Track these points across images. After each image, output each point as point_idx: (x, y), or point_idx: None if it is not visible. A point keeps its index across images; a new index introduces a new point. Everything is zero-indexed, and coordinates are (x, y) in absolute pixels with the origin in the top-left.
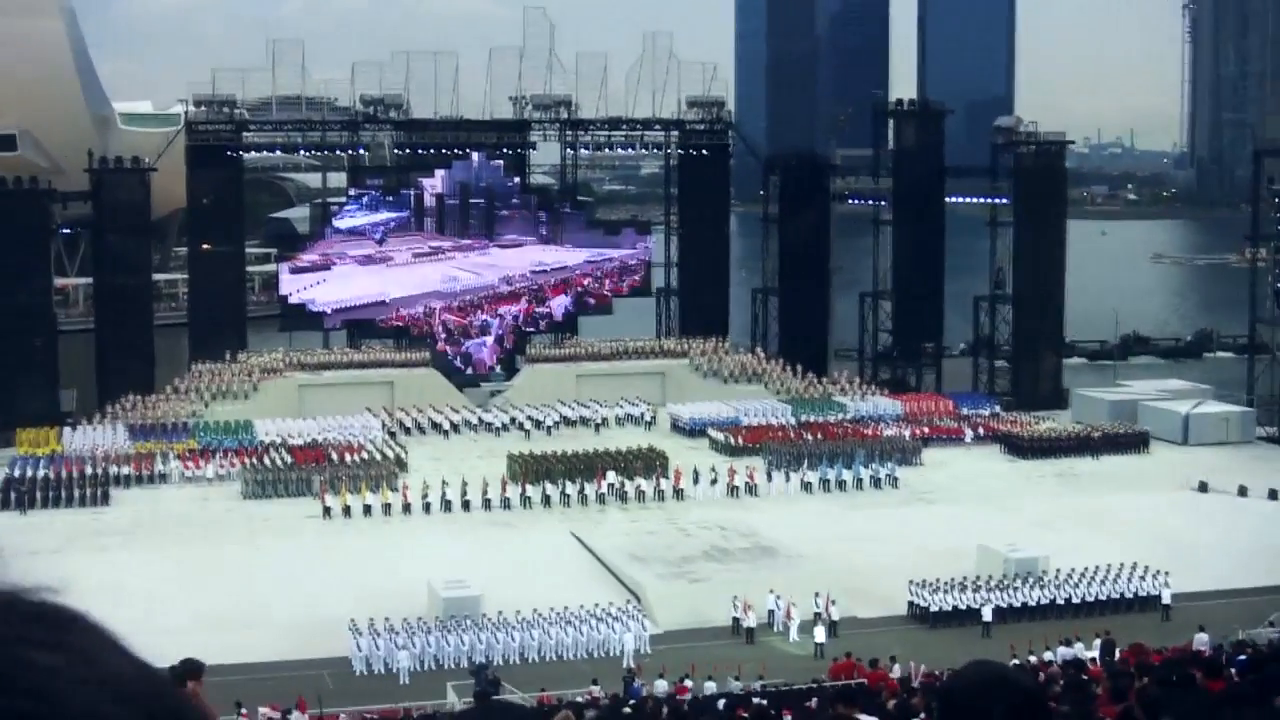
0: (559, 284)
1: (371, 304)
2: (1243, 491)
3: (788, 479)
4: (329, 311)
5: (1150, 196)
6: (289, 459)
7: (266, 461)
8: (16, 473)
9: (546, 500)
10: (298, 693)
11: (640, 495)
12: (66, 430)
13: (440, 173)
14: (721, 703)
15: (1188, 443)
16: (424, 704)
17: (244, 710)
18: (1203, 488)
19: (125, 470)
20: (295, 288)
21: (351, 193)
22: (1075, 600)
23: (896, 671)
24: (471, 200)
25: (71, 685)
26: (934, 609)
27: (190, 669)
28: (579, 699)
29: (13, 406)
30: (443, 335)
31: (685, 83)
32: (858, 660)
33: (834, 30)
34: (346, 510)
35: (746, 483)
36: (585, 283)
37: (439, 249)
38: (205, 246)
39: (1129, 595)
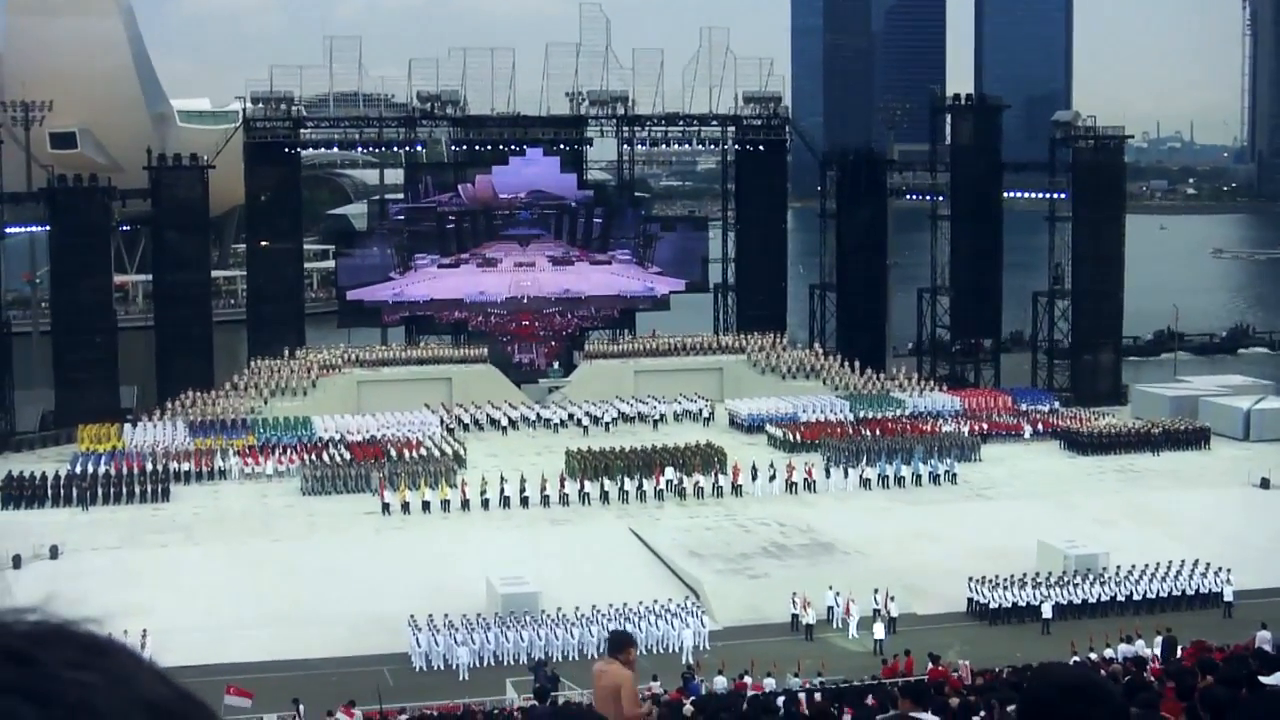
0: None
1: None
2: None
3: (846, 475)
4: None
5: (1210, 191)
6: (348, 455)
7: (325, 458)
8: (78, 469)
9: (605, 496)
10: (357, 689)
11: (698, 491)
12: (127, 427)
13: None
14: (781, 700)
15: (1249, 439)
16: (483, 700)
17: (300, 707)
18: (1264, 484)
19: (185, 466)
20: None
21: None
22: (1136, 597)
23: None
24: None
25: (108, 702)
26: (993, 606)
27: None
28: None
29: (75, 403)
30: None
31: (742, 78)
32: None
33: (890, 25)
34: (405, 506)
35: (805, 479)
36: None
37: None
38: (263, 243)
39: (1190, 592)
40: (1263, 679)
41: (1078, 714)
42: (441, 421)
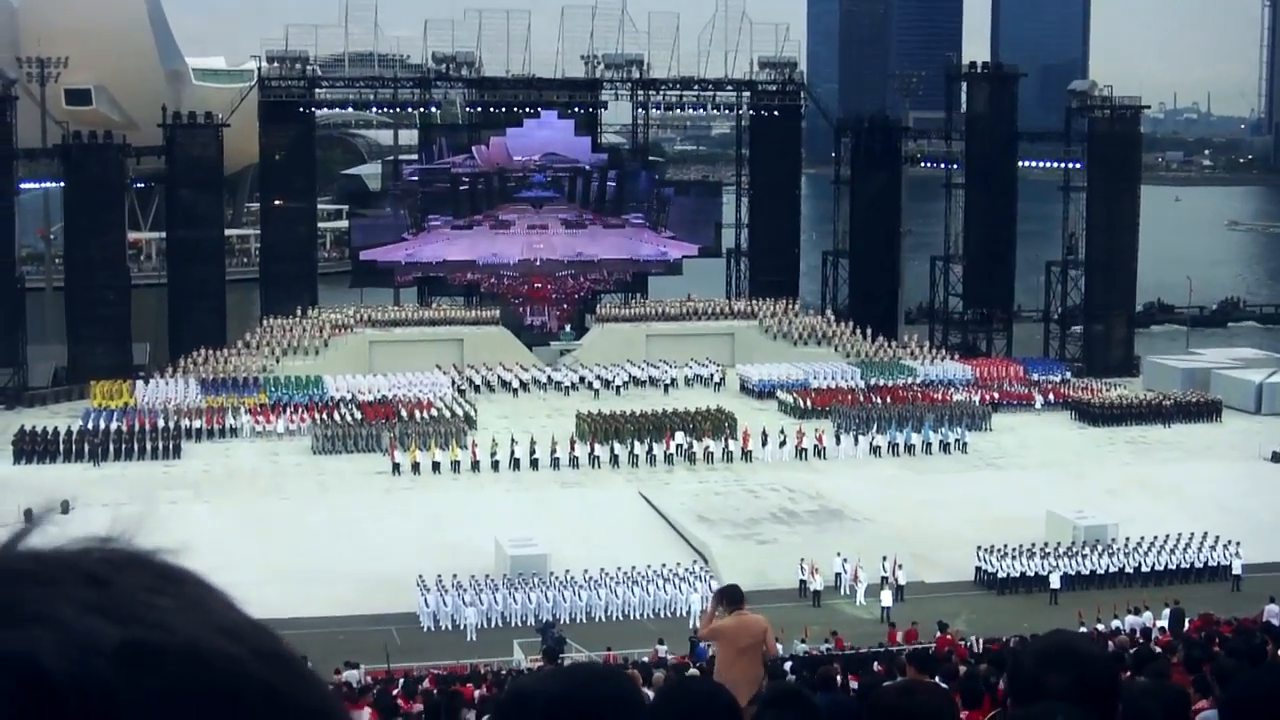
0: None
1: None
2: None
3: (856, 442)
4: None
5: (1226, 163)
6: (359, 415)
7: (336, 417)
8: (90, 425)
9: (615, 460)
10: (365, 648)
11: (708, 456)
12: (139, 384)
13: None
14: (789, 665)
15: (1261, 412)
16: (491, 661)
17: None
18: (1275, 458)
19: (197, 424)
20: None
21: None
22: (1144, 569)
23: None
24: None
25: (184, 623)
26: (1001, 575)
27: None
28: (644, 659)
29: (87, 359)
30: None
31: (757, 43)
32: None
33: None
34: (415, 467)
35: (815, 445)
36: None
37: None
38: (277, 202)
39: (1199, 565)
40: None
41: (1050, 677)
42: (453, 383)
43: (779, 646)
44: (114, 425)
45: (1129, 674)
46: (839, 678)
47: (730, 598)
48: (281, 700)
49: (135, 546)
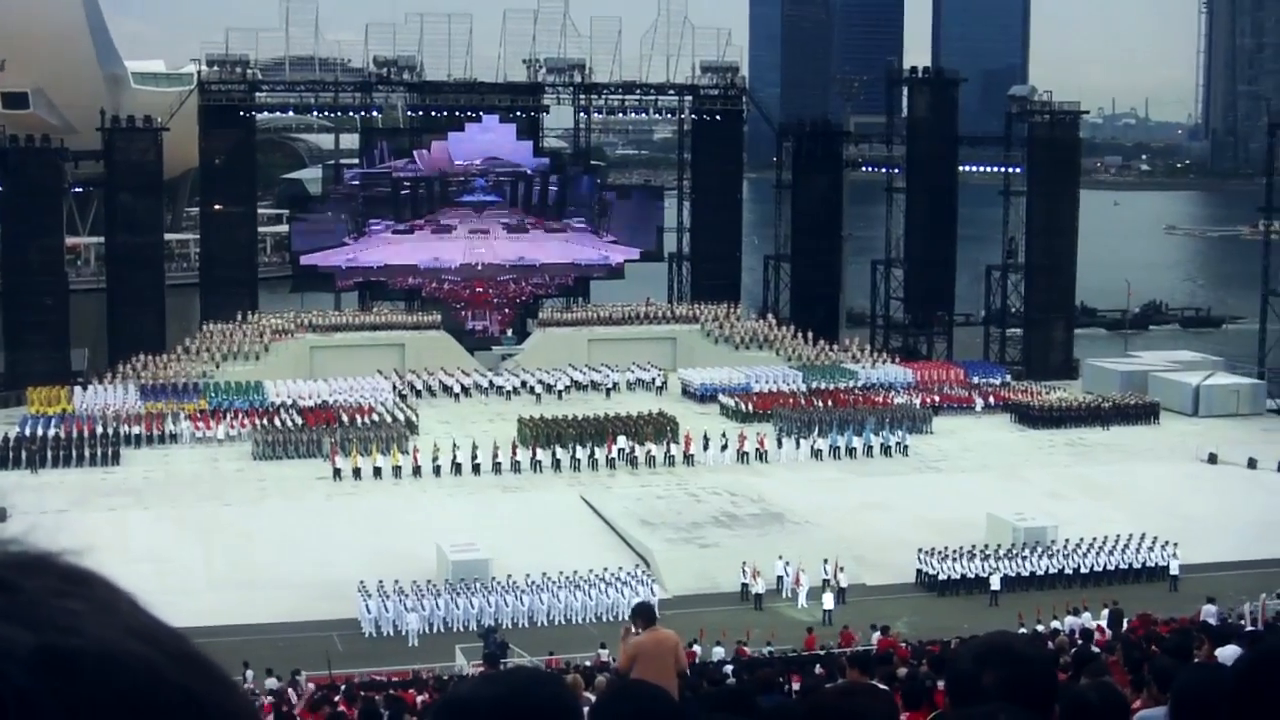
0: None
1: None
2: (1252, 464)
3: (798, 445)
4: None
5: (1164, 168)
6: (299, 420)
7: (277, 423)
8: (27, 432)
9: (556, 464)
10: (306, 654)
11: (650, 460)
12: (77, 389)
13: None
14: (729, 668)
15: (1198, 414)
16: (433, 666)
17: (249, 671)
18: (1212, 459)
19: (136, 430)
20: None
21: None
22: (1083, 570)
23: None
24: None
25: (96, 627)
26: (942, 577)
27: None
28: (587, 663)
29: (24, 366)
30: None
31: (699, 48)
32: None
33: None
34: (356, 472)
35: (757, 449)
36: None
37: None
38: (217, 207)
39: (1137, 566)
40: (1216, 652)
41: (995, 678)
42: (394, 387)
43: (698, 651)
44: (52, 432)
45: (1069, 674)
46: (780, 679)
47: (644, 615)
48: (199, 703)
49: (38, 548)
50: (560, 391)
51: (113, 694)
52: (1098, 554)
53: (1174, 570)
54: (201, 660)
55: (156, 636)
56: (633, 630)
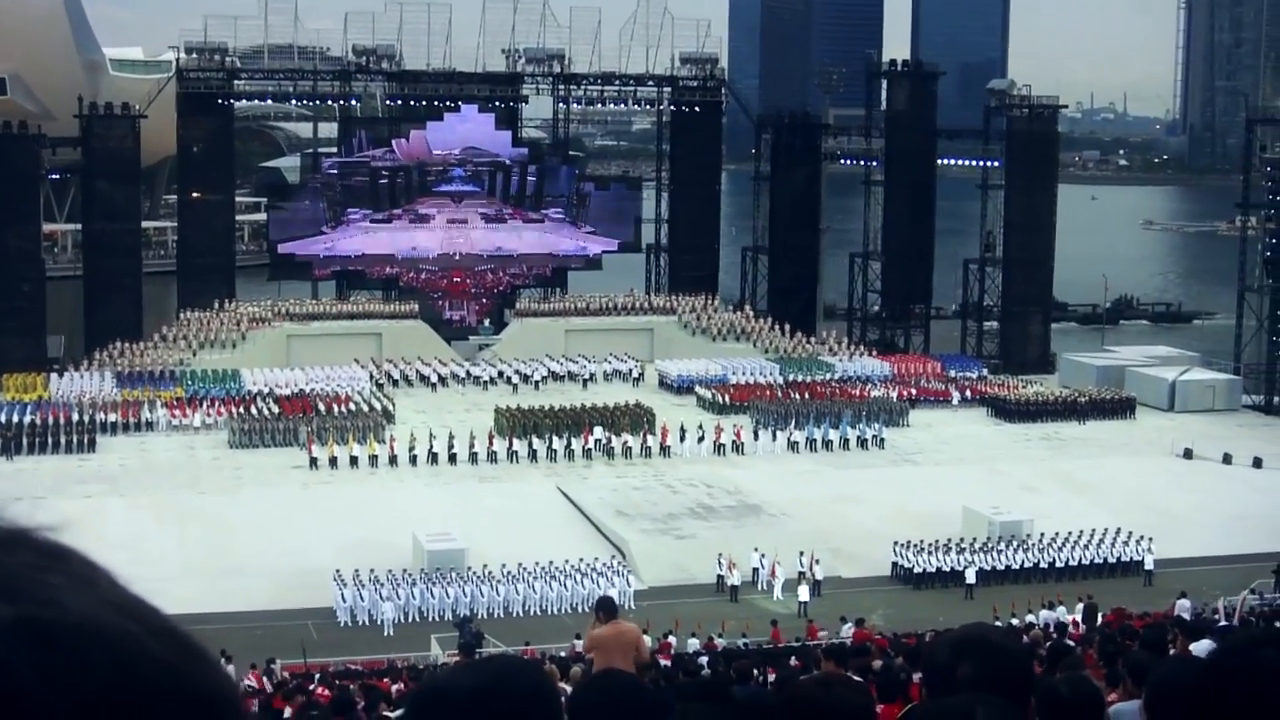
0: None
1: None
2: (1227, 459)
3: (774, 438)
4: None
5: (1142, 163)
6: (276, 409)
7: (254, 411)
8: (2, 418)
9: (533, 455)
10: (282, 643)
11: (627, 451)
12: (53, 376)
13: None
14: (705, 659)
15: (1174, 409)
16: (408, 655)
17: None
18: (1187, 454)
19: (112, 418)
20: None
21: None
22: (1059, 564)
23: (847, 631)
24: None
25: (75, 600)
26: (918, 570)
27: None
28: (562, 653)
29: (0, 352)
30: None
31: (679, 39)
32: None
33: None
34: (333, 461)
35: (733, 441)
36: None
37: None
38: (195, 195)
39: (1112, 560)
40: (1190, 647)
41: (971, 669)
42: (371, 377)
43: (673, 642)
44: (27, 418)
45: (1044, 668)
46: (755, 670)
47: (606, 608)
48: (179, 676)
49: (15, 524)
50: (537, 382)
51: (92, 665)
52: (1073, 548)
53: (1149, 565)
54: (180, 634)
55: (135, 610)
56: (595, 623)
